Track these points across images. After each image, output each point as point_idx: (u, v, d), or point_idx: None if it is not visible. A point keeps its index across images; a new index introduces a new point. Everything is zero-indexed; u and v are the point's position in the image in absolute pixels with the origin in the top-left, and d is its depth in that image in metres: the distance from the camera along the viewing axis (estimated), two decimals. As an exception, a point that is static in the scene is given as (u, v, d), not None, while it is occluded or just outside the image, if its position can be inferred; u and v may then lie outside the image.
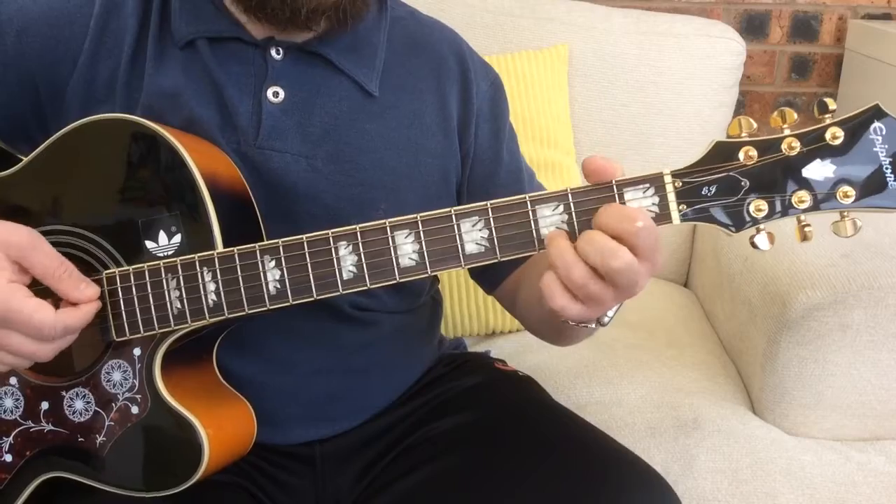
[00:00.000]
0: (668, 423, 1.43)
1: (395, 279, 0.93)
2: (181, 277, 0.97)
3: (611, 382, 1.53)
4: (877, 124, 0.85)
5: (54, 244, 1.00)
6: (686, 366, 1.60)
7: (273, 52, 1.10)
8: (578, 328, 1.00)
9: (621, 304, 0.98)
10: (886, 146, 0.84)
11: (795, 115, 0.85)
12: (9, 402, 1.04)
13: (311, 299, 0.95)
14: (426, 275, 0.93)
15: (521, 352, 1.26)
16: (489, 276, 1.27)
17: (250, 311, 0.96)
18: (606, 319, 0.98)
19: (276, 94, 1.10)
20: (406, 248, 0.92)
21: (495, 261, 0.92)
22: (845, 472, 1.39)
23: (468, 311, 1.74)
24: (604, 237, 0.86)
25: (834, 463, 1.40)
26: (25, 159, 1.05)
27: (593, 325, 1.01)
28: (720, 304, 1.77)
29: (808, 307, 1.38)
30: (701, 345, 1.71)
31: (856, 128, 0.85)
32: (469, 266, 0.92)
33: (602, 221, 0.87)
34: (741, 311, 1.59)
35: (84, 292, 0.96)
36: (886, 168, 0.84)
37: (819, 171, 0.85)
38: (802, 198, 0.85)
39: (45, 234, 1.01)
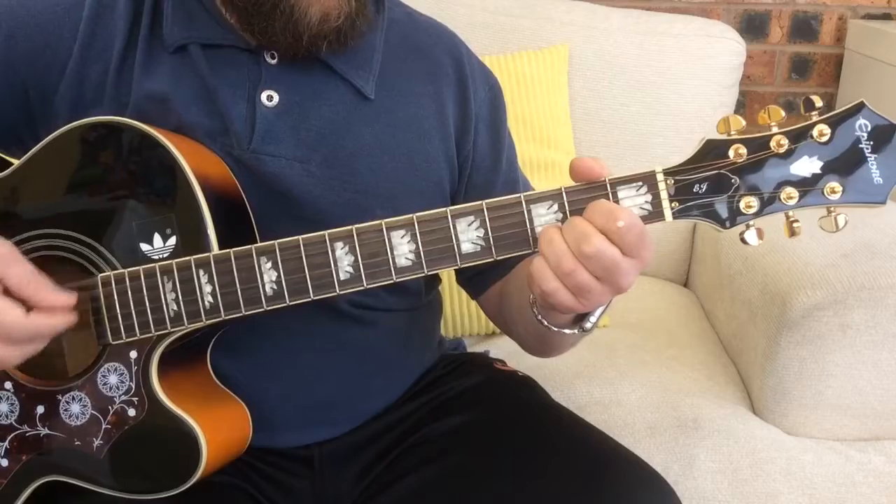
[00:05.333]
0: (668, 423, 1.43)
1: (392, 279, 0.93)
2: (177, 279, 0.96)
3: (611, 382, 1.53)
4: (862, 121, 0.86)
5: (47, 248, 1.01)
6: (686, 366, 1.60)
7: (267, 57, 1.10)
8: (561, 335, 1.01)
9: (602, 310, 0.99)
10: (872, 143, 0.86)
11: (783, 113, 0.87)
12: (4, 407, 1.04)
13: (308, 300, 0.95)
14: (423, 275, 0.93)
15: (520, 352, 1.25)
16: (475, 283, 1.28)
17: (247, 313, 0.96)
18: (589, 325, 0.99)
19: (270, 98, 1.09)
20: (402, 248, 0.92)
21: (491, 260, 0.92)
22: (845, 472, 1.39)
23: (468, 311, 1.74)
24: (583, 222, 0.87)
25: (834, 463, 1.40)
26: (16, 163, 1.05)
27: (576, 331, 1.01)
28: (720, 304, 1.77)
29: (808, 307, 1.38)
30: (701, 345, 1.71)
31: (842, 125, 0.86)
32: (465, 265, 0.93)
33: (588, 216, 0.88)
34: (741, 311, 1.59)
35: (60, 297, 0.96)
36: (872, 164, 0.86)
37: (806, 167, 0.86)
38: (790, 194, 0.87)
39: (37, 237, 1.01)
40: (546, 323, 1.00)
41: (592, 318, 0.99)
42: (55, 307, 0.95)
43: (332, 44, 1.06)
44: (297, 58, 1.09)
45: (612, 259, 0.86)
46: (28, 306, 0.93)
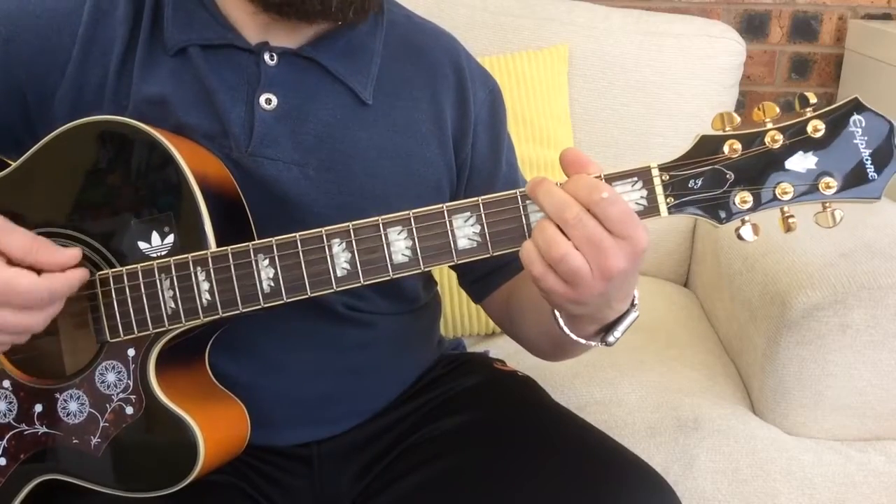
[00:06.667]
0: (668, 423, 1.43)
1: (389, 275, 0.93)
2: (175, 277, 0.96)
3: (611, 382, 1.53)
4: (856, 117, 0.86)
5: None
6: (686, 366, 1.60)
7: (267, 58, 1.09)
8: (583, 346, 1.01)
9: (629, 323, 0.99)
10: (866, 138, 0.86)
11: (777, 109, 0.87)
12: (2, 405, 1.04)
13: (306, 297, 0.95)
14: (419, 271, 0.93)
15: (520, 352, 1.26)
16: (480, 287, 1.27)
17: (245, 310, 0.96)
18: (612, 339, 0.99)
19: (268, 101, 1.09)
20: (399, 245, 0.93)
21: (488, 256, 0.92)
22: (845, 472, 1.39)
23: (468, 311, 1.74)
24: (560, 191, 0.87)
25: (834, 463, 1.40)
26: (15, 163, 1.05)
27: (598, 343, 1.00)
28: (720, 304, 1.77)
29: (808, 307, 1.38)
30: (701, 345, 1.71)
31: (836, 120, 0.86)
32: (462, 261, 0.92)
33: (570, 189, 0.87)
34: (741, 311, 1.59)
35: (65, 254, 0.96)
36: (866, 160, 0.86)
37: (801, 163, 0.86)
38: (786, 189, 0.87)
39: None
40: (567, 331, 1.00)
41: (616, 334, 0.99)
42: (65, 264, 0.96)
43: (357, 12, 1.07)
44: (296, 55, 1.10)
45: (594, 229, 0.86)
46: (37, 270, 0.94)
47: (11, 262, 0.93)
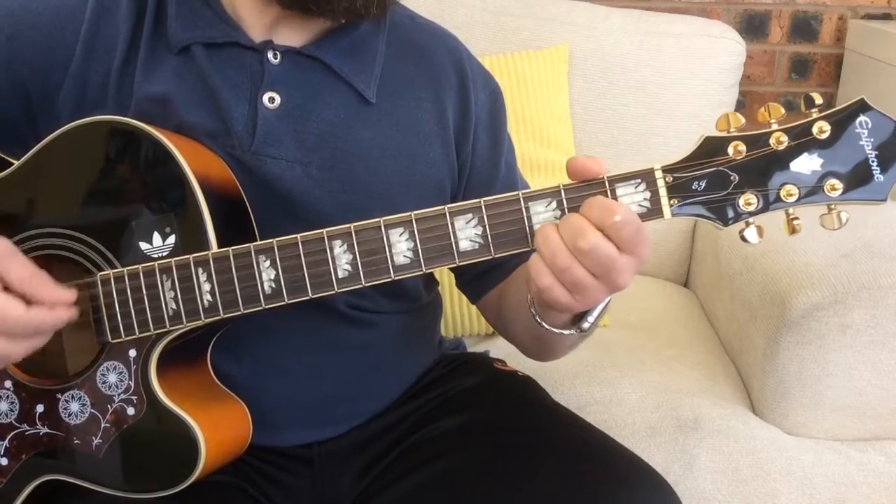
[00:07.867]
0: (668, 423, 1.43)
1: (391, 277, 0.93)
2: (176, 278, 0.96)
3: (611, 382, 1.53)
4: (862, 118, 0.86)
5: (47, 247, 1.01)
6: (686, 366, 1.60)
7: (270, 56, 1.09)
8: (559, 336, 1.01)
9: (601, 310, 0.99)
10: (872, 139, 0.85)
11: (782, 110, 0.86)
12: (3, 406, 1.04)
13: (307, 298, 0.95)
14: (421, 272, 0.93)
15: (520, 352, 1.26)
16: (475, 286, 1.27)
17: (246, 311, 0.96)
18: (586, 325, 0.99)
19: (271, 100, 1.09)
20: (401, 246, 0.92)
21: (489, 258, 0.92)
22: (845, 472, 1.39)
23: (468, 311, 1.73)
24: (579, 218, 0.87)
25: (834, 463, 1.40)
26: (17, 162, 1.05)
27: (574, 332, 1.00)
28: (720, 304, 1.77)
29: (808, 307, 1.38)
30: (701, 345, 1.71)
31: (842, 122, 0.86)
32: (463, 263, 0.92)
33: (585, 212, 0.88)
34: (741, 311, 1.59)
35: (59, 293, 0.96)
36: (872, 161, 0.85)
37: (806, 164, 0.86)
38: (790, 191, 0.86)
39: (38, 236, 1.01)
40: (544, 324, 1.00)
41: (590, 319, 0.99)
42: (56, 303, 0.95)
43: (380, 6, 1.08)
44: (299, 53, 1.10)
45: (607, 255, 0.86)
46: (28, 302, 0.93)
47: (6, 287, 0.93)
